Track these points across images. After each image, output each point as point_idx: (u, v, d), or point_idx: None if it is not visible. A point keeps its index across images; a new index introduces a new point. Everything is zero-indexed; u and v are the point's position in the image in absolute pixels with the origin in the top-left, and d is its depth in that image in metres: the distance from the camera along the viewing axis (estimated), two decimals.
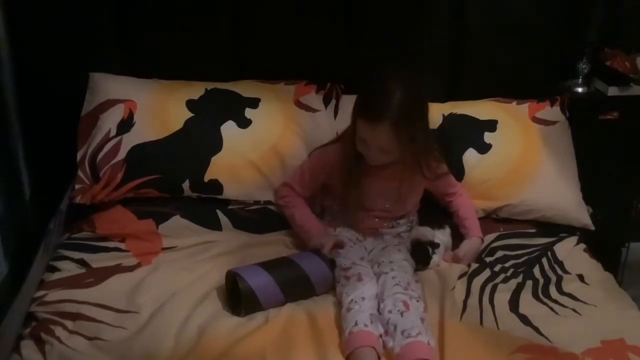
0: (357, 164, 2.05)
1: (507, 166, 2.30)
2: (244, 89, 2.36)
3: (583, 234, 2.26)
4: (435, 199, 2.25)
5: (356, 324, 1.73)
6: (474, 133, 2.35)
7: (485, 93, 2.49)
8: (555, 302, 1.95)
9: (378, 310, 1.83)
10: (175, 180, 2.22)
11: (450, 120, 2.37)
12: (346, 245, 2.06)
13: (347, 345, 1.71)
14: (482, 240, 2.18)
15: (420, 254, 2.06)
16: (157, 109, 2.26)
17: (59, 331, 1.74)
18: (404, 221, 2.18)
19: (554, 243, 2.21)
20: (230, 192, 2.24)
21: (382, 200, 2.13)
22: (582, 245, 2.20)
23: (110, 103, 2.26)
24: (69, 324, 1.78)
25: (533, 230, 2.27)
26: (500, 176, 2.28)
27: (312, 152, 2.24)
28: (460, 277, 2.03)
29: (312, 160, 2.21)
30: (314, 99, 2.38)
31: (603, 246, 2.28)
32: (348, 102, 2.37)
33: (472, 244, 2.15)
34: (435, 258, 2.08)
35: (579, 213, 2.30)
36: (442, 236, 2.14)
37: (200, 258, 2.06)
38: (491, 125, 2.36)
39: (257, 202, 2.27)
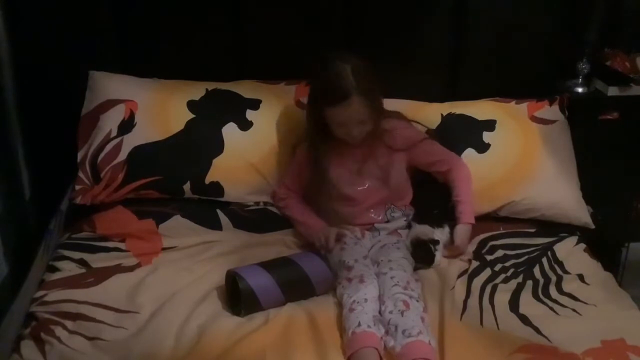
0: (324, 150, 2.13)
1: (506, 165, 2.30)
2: (245, 89, 2.36)
3: (583, 234, 2.26)
4: (435, 180, 2.25)
5: (359, 324, 1.73)
6: (472, 133, 2.34)
7: (484, 93, 2.49)
8: (555, 302, 1.95)
9: (379, 312, 1.83)
10: (176, 182, 2.22)
11: (449, 120, 2.37)
12: (347, 236, 2.07)
13: (350, 345, 1.71)
14: (472, 225, 2.17)
15: (423, 252, 2.07)
16: (158, 110, 2.27)
17: (59, 331, 1.75)
18: (399, 214, 2.19)
19: (554, 243, 2.21)
20: (231, 194, 2.24)
21: (368, 178, 2.15)
22: (582, 245, 2.20)
23: (111, 103, 2.26)
24: (69, 324, 1.78)
25: (533, 230, 2.26)
26: (499, 176, 2.28)
27: (297, 148, 2.24)
28: (460, 276, 2.03)
29: (297, 155, 2.22)
30: None
31: (603, 246, 2.27)
32: None
33: (464, 230, 2.15)
34: (438, 255, 2.08)
35: (579, 211, 2.29)
36: (441, 235, 2.14)
37: (200, 258, 2.07)
38: (490, 125, 2.36)
39: (257, 202, 2.27)
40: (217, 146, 2.24)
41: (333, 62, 2.03)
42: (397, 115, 2.24)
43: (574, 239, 2.22)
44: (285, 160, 2.26)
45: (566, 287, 2.01)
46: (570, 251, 2.17)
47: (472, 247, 2.17)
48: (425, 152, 2.21)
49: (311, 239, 2.11)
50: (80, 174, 2.20)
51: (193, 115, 2.26)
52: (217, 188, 2.22)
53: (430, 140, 2.23)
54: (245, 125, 2.28)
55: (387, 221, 2.18)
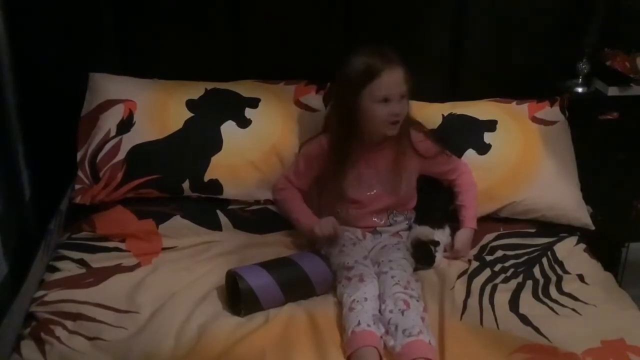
0: (349, 150, 2.10)
1: (506, 166, 2.30)
2: (244, 89, 2.36)
3: (583, 234, 2.26)
4: (439, 184, 2.25)
5: (359, 323, 1.74)
6: (473, 133, 2.34)
7: (485, 93, 2.49)
8: (555, 302, 1.95)
9: (379, 311, 1.83)
10: (175, 180, 2.22)
11: (450, 120, 2.37)
12: (346, 237, 2.07)
13: (350, 344, 1.71)
14: (475, 230, 2.18)
15: (424, 253, 2.06)
16: (157, 109, 2.27)
17: (59, 331, 1.75)
18: (401, 218, 2.18)
19: (554, 243, 2.21)
20: (230, 192, 2.24)
21: (378, 184, 2.14)
22: (582, 245, 2.20)
23: (110, 103, 2.26)
24: (69, 324, 1.78)
25: (533, 230, 2.26)
26: (500, 176, 2.28)
27: (303, 144, 2.24)
28: (459, 276, 2.04)
29: (306, 149, 2.21)
30: (314, 99, 2.38)
31: (603, 246, 2.27)
32: None
33: (466, 234, 2.16)
34: (438, 256, 2.08)
35: (579, 212, 2.29)
36: (441, 236, 2.14)
37: (200, 258, 2.07)
38: (491, 125, 2.36)
39: (257, 202, 2.27)
40: (216, 144, 2.24)
41: (356, 54, 2.03)
42: (417, 125, 2.21)
43: (574, 239, 2.22)
44: (284, 158, 2.26)
45: (566, 287, 2.01)
46: (570, 251, 2.17)
47: (474, 251, 2.17)
48: (440, 163, 2.22)
49: (303, 232, 2.11)
50: (80, 174, 2.20)
51: (192, 114, 2.27)
52: (216, 186, 2.22)
53: (445, 151, 2.22)
54: (243, 123, 2.28)
55: (390, 225, 2.18)
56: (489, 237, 2.22)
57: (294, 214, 2.16)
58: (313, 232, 2.05)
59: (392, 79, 1.99)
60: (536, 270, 2.08)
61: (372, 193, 2.15)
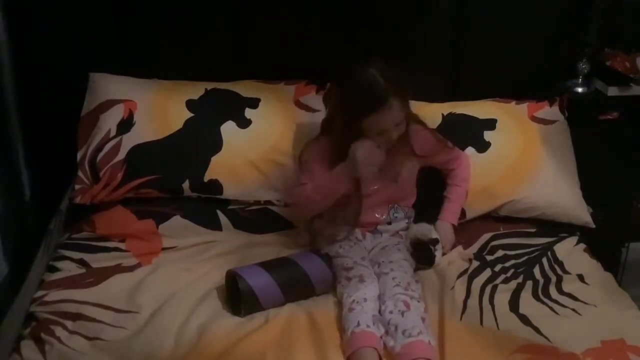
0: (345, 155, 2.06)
1: (506, 164, 2.29)
2: (244, 89, 2.36)
3: (583, 234, 2.26)
4: (436, 182, 2.25)
5: (358, 324, 1.73)
6: (473, 132, 2.34)
7: (484, 93, 2.49)
8: (555, 302, 1.95)
9: (379, 312, 1.83)
10: (175, 181, 2.22)
11: (450, 119, 2.37)
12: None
13: (349, 345, 1.71)
14: (454, 226, 2.19)
15: (423, 253, 2.06)
16: (157, 109, 2.27)
17: (59, 331, 1.75)
18: (401, 215, 2.18)
19: (554, 243, 2.20)
20: (230, 192, 2.24)
21: (380, 179, 2.12)
22: (582, 245, 2.20)
23: (110, 103, 2.26)
24: (69, 324, 1.78)
25: (533, 230, 2.26)
26: (499, 174, 2.28)
27: (303, 150, 2.20)
28: (459, 276, 2.03)
29: (312, 153, 2.16)
30: (314, 99, 2.38)
31: (603, 246, 2.27)
32: None
33: (444, 228, 2.16)
34: (438, 255, 2.08)
35: (579, 211, 2.29)
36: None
37: (200, 258, 2.07)
38: (490, 124, 2.36)
39: (257, 202, 2.27)
40: (216, 144, 2.24)
41: (360, 72, 1.98)
42: (416, 119, 2.20)
43: (574, 239, 2.22)
44: (284, 158, 2.25)
45: (566, 287, 2.01)
46: (570, 251, 2.17)
47: (474, 249, 2.17)
48: (441, 154, 2.22)
49: (347, 175, 2.03)
50: (80, 174, 2.20)
51: (192, 114, 2.27)
52: (215, 186, 2.22)
53: (447, 143, 2.23)
54: (243, 123, 2.28)
55: (389, 222, 2.17)
56: (489, 236, 2.22)
57: (324, 181, 2.05)
58: (350, 167, 2.00)
59: (387, 116, 1.97)
60: (536, 271, 2.08)
61: (373, 187, 2.15)
